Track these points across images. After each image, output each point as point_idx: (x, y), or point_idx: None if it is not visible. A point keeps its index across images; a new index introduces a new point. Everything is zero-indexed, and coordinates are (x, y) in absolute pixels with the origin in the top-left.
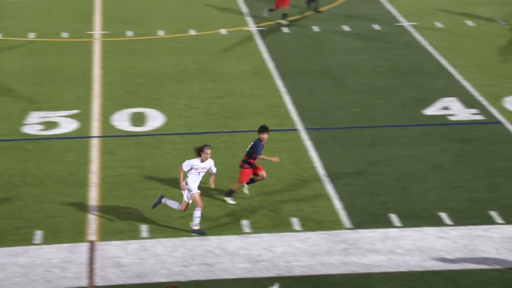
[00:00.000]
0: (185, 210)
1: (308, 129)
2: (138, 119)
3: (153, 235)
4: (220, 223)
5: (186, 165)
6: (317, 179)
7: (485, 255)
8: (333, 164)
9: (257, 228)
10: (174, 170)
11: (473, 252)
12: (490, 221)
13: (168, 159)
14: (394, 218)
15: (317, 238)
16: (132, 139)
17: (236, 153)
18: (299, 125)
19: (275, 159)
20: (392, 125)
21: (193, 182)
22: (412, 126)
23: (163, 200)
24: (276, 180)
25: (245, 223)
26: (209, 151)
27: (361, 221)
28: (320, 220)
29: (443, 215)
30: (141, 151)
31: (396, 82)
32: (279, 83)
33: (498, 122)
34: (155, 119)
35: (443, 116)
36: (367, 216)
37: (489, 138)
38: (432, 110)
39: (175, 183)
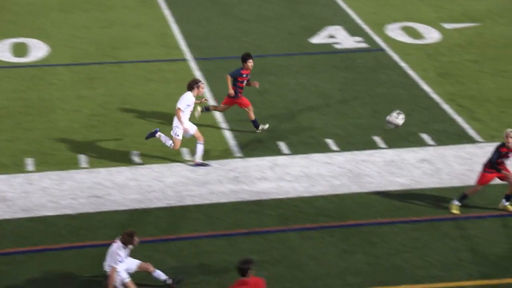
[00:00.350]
0: (178, 148)
1: (198, 59)
2: (20, 50)
3: (39, 168)
4: (109, 155)
5: (184, 104)
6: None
7: (369, 179)
8: (223, 94)
9: (147, 159)
10: (61, 101)
11: (357, 177)
12: (374, 146)
13: (53, 91)
14: (282, 145)
15: (207, 168)
16: (15, 70)
17: (124, 83)
18: (188, 55)
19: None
20: (280, 54)
21: (186, 119)
22: (299, 55)
23: (157, 135)
24: (167, 109)
25: (135, 153)
26: (203, 86)
27: (250, 149)
28: (209, 150)
29: (329, 142)
30: (25, 83)
31: (283, 11)
32: (167, 12)
33: (381, 50)
34: (38, 50)
35: (329, 45)
36: (256, 145)
37: (372, 65)
38: (318, 39)
39: (62, 115)
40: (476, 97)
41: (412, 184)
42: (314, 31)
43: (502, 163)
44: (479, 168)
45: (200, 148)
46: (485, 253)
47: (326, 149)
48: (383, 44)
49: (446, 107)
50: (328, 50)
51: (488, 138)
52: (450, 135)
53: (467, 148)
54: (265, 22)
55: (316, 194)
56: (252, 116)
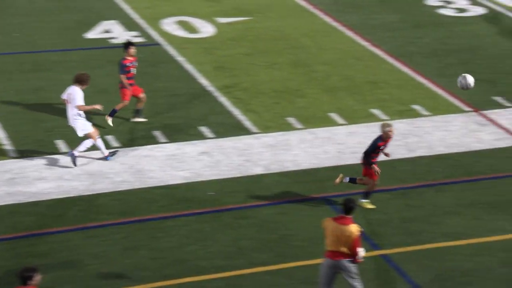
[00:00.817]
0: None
1: None
2: None
3: None
4: None
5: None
6: None
7: (151, 174)
8: None
9: None
10: None
11: (140, 172)
12: (154, 141)
13: None
14: (61, 144)
15: None
16: None
17: None
18: None
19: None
20: (54, 50)
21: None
22: (74, 50)
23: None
24: None
25: None
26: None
27: (26, 149)
28: None
29: (110, 138)
30: None
31: (56, 5)
32: None
33: (157, 44)
34: None
35: (105, 40)
36: (34, 144)
37: (150, 60)
38: (93, 34)
39: None
40: (250, 89)
41: (193, 177)
42: (89, 26)
43: (376, 157)
44: (256, 158)
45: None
46: (265, 240)
47: (107, 146)
48: (159, 39)
49: (223, 99)
50: (104, 45)
51: (264, 129)
52: (228, 127)
53: (244, 139)
54: (37, 16)
55: (98, 192)
56: (140, 106)
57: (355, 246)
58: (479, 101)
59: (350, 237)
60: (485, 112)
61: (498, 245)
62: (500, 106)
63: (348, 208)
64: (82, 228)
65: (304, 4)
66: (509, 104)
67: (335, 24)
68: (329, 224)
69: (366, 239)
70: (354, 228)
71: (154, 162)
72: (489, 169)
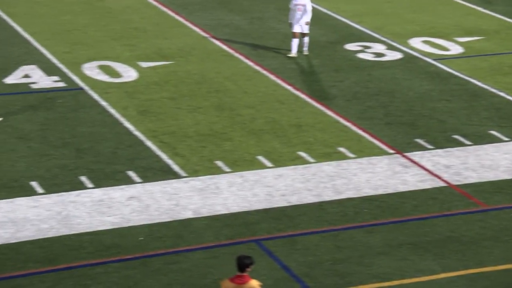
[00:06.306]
0: None
1: None
2: None
3: None
4: None
5: None
6: None
7: (79, 220)
8: None
9: None
10: None
11: (66, 218)
12: (81, 186)
13: None
14: None
15: None
16: None
17: None
18: None
19: None
20: None
21: None
22: None
23: None
24: None
25: None
26: None
27: None
28: None
29: (34, 184)
30: None
31: None
32: None
33: (80, 88)
34: None
35: (25, 84)
36: None
37: (72, 104)
38: (12, 79)
39: None
40: (177, 133)
41: (122, 222)
42: (8, 71)
43: None
44: (185, 202)
45: None
46: (197, 285)
47: (31, 191)
48: (81, 83)
49: (149, 143)
50: (24, 90)
51: (192, 173)
52: (156, 171)
53: (173, 183)
54: None
55: (24, 240)
56: None
57: None
58: (401, 144)
59: None
60: (407, 154)
61: (428, 285)
62: (422, 148)
63: (243, 265)
64: (5, 278)
65: (226, 48)
66: (430, 146)
67: (257, 67)
68: (228, 285)
69: (299, 281)
70: (254, 284)
71: (81, 207)
72: (415, 210)
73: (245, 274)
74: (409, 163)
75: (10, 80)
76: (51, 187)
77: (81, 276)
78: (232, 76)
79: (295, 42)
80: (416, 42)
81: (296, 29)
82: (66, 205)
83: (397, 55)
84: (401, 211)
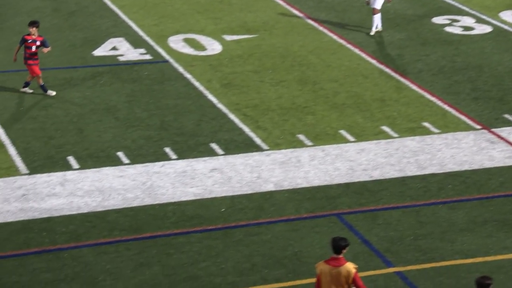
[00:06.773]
0: None
1: None
2: None
3: None
4: None
5: None
6: None
7: (163, 190)
8: (4, 109)
9: None
10: None
11: (151, 189)
12: (165, 158)
13: None
14: (72, 160)
15: None
16: None
17: None
18: None
19: None
20: (62, 67)
21: None
22: (82, 68)
23: None
24: None
25: None
26: None
27: (38, 165)
28: None
29: (120, 154)
30: None
31: (63, 23)
32: None
33: (165, 61)
34: None
35: (113, 57)
36: (44, 161)
37: (158, 77)
38: (101, 51)
39: None
40: (259, 106)
41: (204, 193)
42: (97, 43)
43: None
44: (267, 175)
45: None
46: (278, 257)
47: (117, 162)
48: (167, 56)
49: (232, 116)
50: (112, 62)
51: (274, 146)
52: (238, 144)
53: (255, 156)
54: (44, 34)
55: (110, 208)
56: (40, 82)
57: (358, 284)
58: (488, 119)
59: (349, 277)
60: (495, 130)
61: None
62: (510, 123)
63: (338, 247)
64: (94, 245)
65: (310, 21)
66: None
67: (341, 41)
68: (323, 268)
69: (380, 256)
70: (350, 266)
71: (165, 178)
72: (501, 187)
73: (340, 256)
74: (496, 139)
75: (98, 52)
76: (136, 158)
77: (164, 245)
78: (316, 49)
79: (376, 18)
80: (508, 15)
81: (377, 4)
82: (150, 175)
83: (487, 29)
84: (487, 188)
